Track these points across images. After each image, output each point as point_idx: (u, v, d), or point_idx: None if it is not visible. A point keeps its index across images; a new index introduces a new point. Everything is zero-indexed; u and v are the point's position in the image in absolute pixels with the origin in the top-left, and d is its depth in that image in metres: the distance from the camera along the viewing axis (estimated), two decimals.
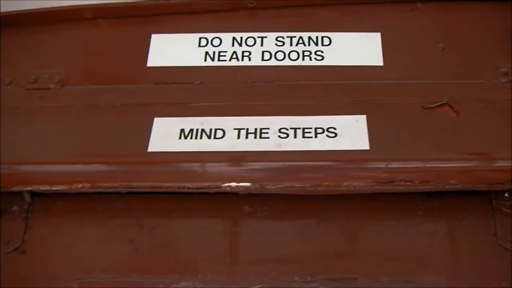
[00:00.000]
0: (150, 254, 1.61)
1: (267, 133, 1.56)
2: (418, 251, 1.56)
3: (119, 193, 1.65)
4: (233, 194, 1.62)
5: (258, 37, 1.76)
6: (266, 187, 1.54)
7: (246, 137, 1.56)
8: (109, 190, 1.61)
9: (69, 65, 1.77)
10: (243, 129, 1.57)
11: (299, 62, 1.69)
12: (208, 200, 1.64)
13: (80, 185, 1.59)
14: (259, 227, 1.62)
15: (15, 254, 1.67)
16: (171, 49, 1.74)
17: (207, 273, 1.58)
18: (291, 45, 1.73)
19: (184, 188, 1.56)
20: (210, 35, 1.79)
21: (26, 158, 1.62)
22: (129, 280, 1.60)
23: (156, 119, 1.61)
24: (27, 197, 1.67)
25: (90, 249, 1.64)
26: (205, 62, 1.72)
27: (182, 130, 1.59)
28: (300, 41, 1.73)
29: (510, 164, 1.49)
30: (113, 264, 1.62)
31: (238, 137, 1.56)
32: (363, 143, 1.53)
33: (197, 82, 1.68)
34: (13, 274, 1.66)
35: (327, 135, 1.55)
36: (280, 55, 1.71)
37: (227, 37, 1.76)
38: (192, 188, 1.56)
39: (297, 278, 1.55)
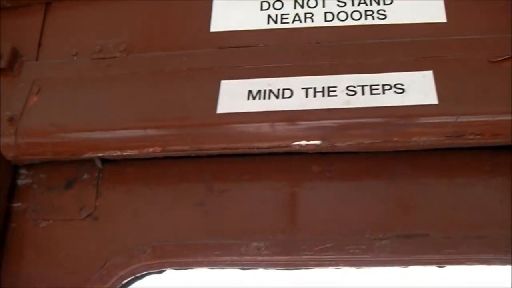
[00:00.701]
0: (220, 216, 1.63)
1: (334, 91, 1.56)
2: (488, 206, 1.55)
3: (187, 157, 1.67)
4: (301, 155, 1.63)
5: None
6: (336, 144, 1.54)
7: (314, 96, 1.57)
8: (179, 153, 1.63)
9: (133, 33, 1.79)
10: (311, 88, 1.58)
11: (362, 22, 1.69)
12: (276, 162, 1.65)
13: (151, 149, 1.62)
14: (328, 186, 1.62)
15: (88, 221, 1.70)
16: (233, 14, 1.76)
17: (277, 234, 1.59)
18: (353, 5, 1.73)
19: (254, 148, 1.58)
20: None
21: (96, 125, 1.65)
22: (199, 242, 1.62)
23: (223, 82, 1.63)
24: (98, 164, 1.70)
25: (161, 213, 1.66)
26: (268, 25, 1.73)
27: (250, 92, 1.60)
28: (362, 1, 1.73)
29: None
30: (183, 228, 1.64)
31: (306, 96, 1.57)
32: (431, 98, 1.52)
33: (261, 45, 1.69)
34: (86, 240, 1.69)
35: (395, 91, 1.55)
36: (342, 16, 1.71)
37: (288, 0, 1.77)
38: (262, 148, 1.57)
39: (368, 236, 1.55)
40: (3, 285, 1.69)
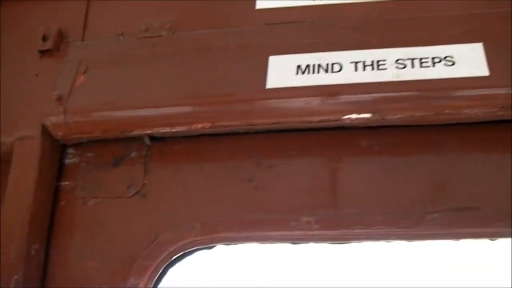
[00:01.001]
0: (269, 191, 1.63)
1: (384, 64, 1.56)
2: None
3: (236, 134, 1.67)
4: (349, 129, 1.63)
5: None
6: (386, 117, 1.54)
7: (364, 70, 1.57)
8: (228, 130, 1.63)
9: (178, 12, 1.80)
10: (360, 62, 1.58)
11: None
12: (325, 137, 1.65)
13: (200, 126, 1.63)
14: (377, 160, 1.62)
15: (136, 198, 1.71)
16: None
17: (327, 208, 1.60)
18: None
19: (303, 123, 1.58)
20: None
21: (145, 102, 1.66)
22: (249, 217, 1.63)
23: (271, 58, 1.63)
24: (147, 141, 1.71)
25: (210, 189, 1.67)
26: (313, 1, 1.73)
27: (299, 67, 1.60)
28: None
29: None
30: (233, 203, 1.65)
31: (356, 70, 1.57)
32: (482, 70, 1.52)
33: (308, 21, 1.69)
34: (135, 217, 1.70)
35: (445, 64, 1.54)
36: None
37: None
38: (312, 122, 1.57)
39: (418, 209, 1.55)
40: (53, 263, 1.71)
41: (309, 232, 1.57)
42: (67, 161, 1.80)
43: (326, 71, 1.58)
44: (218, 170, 1.67)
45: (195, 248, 1.64)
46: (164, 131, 1.64)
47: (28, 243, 1.65)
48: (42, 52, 1.84)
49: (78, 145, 1.79)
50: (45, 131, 1.72)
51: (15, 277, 1.61)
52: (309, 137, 1.65)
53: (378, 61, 1.56)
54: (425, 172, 1.58)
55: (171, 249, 1.63)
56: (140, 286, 1.62)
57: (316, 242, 1.59)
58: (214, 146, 1.69)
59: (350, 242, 1.58)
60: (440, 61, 1.54)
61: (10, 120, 1.78)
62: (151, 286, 1.64)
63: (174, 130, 1.63)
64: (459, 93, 1.51)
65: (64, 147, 1.80)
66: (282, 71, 1.59)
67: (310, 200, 1.60)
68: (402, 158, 1.61)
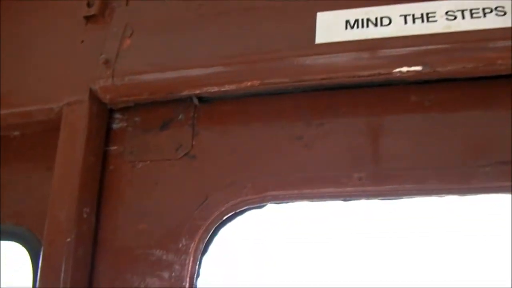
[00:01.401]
0: (320, 149, 1.63)
1: (434, 16, 1.55)
2: None
3: (284, 92, 1.67)
4: (399, 85, 1.62)
5: None
6: (437, 69, 1.53)
7: (413, 22, 1.55)
8: (277, 87, 1.63)
9: None
10: (409, 15, 1.57)
11: None
12: (374, 93, 1.64)
13: (249, 83, 1.62)
14: (427, 115, 1.61)
15: (185, 160, 1.72)
16: None
17: (378, 164, 1.59)
18: None
19: (354, 77, 1.57)
20: None
21: (193, 62, 1.67)
22: (300, 175, 1.63)
23: (319, 14, 1.63)
24: (195, 101, 1.71)
25: (260, 149, 1.67)
26: None
27: (347, 21, 1.60)
28: None
29: None
30: (283, 162, 1.65)
31: (405, 23, 1.56)
32: None
33: None
34: (185, 178, 1.70)
35: (496, 14, 1.52)
36: None
37: None
38: (362, 76, 1.57)
39: (470, 163, 1.53)
40: (104, 226, 1.72)
41: (361, 188, 1.56)
42: (115, 126, 1.81)
43: (375, 25, 1.57)
44: (267, 129, 1.67)
45: (245, 208, 1.64)
46: (213, 90, 1.64)
47: (79, 207, 1.66)
48: (87, 18, 1.85)
49: (125, 109, 1.80)
50: (92, 96, 1.73)
51: (68, 239, 1.63)
52: (358, 94, 1.64)
53: (427, 14, 1.55)
54: (476, 126, 1.56)
55: (222, 209, 1.64)
56: (191, 247, 1.62)
57: (367, 199, 1.58)
58: (262, 106, 1.69)
59: (402, 198, 1.57)
60: (491, 12, 1.53)
61: (57, 87, 1.79)
62: (202, 246, 1.64)
63: (223, 89, 1.63)
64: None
65: (111, 112, 1.81)
66: (331, 26, 1.59)
67: (361, 156, 1.59)
68: (452, 113, 1.59)
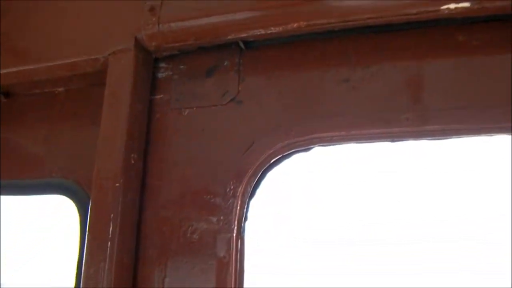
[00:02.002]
0: (366, 91, 1.63)
1: None
2: None
3: (330, 35, 1.66)
4: (446, 24, 1.60)
5: None
6: (485, 5, 1.50)
7: None
8: (324, 27, 1.62)
9: None
10: None
11: None
12: (419, 34, 1.63)
13: (295, 25, 1.62)
14: (474, 55, 1.59)
15: (232, 105, 1.73)
16: None
17: (426, 104, 1.58)
18: None
19: (401, 15, 1.56)
20: None
21: (238, 6, 1.67)
22: (347, 117, 1.63)
23: None
24: (241, 45, 1.72)
25: (306, 92, 1.67)
26: None
27: None
28: None
29: None
30: (330, 104, 1.65)
31: None
32: None
33: None
34: (231, 123, 1.71)
35: None
36: None
37: None
38: (409, 14, 1.55)
39: None
40: (151, 173, 1.74)
41: (408, 129, 1.55)
42: (160, 75, 1.82)
43: None
44: (313, 73, 1.67)
45: (292, 151, 1.65)
46: (259, 33, 1.64)
47: (126, 153, 1.68)
48: None
49: (170, 58, 1.81)
50: (138, 44, 1.74)
51: (117, 184, 1.65)
52: (404, 36, 1.63)
53: None
54: None
55: (269, 153, 1.64)
56: (238, 191, 1.63)
57: (415, 139, 1.58)
58: (308, 49, 1.69)
59: (450, 138, 1.56)
60: None
61: (102, 37, 1.81)
62: (250, 190, 1.65)
63: (269, 31, 1.63)
64: None
65: (156, 61, 1.82)
66: None
67: (408, 97, 1.58)
68: (500, 53, 1.57)
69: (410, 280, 1.65)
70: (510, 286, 1.50)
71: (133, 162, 1.69)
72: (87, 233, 1.67)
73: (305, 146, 1.64)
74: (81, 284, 1.64)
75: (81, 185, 1.91)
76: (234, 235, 1.62)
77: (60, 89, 2.04)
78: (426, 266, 1.68)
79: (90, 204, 1.70)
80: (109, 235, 1.63)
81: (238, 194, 1.63)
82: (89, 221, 1.67)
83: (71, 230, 1.98)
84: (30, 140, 2.09)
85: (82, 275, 1.65)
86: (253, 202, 1.66)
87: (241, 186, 1.64)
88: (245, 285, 1.62)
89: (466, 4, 1.50)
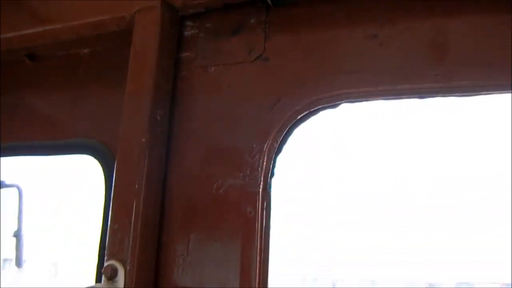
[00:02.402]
0: (395, 47, 1.62)
1: None
2: None
3: None
4: None
5: None
6: None
7: None
8: None
9: None
10: None
11: None
12: None
13: None
14: (500, 13, 1.57)
15: (258, 63, 1.72)
16: None
17: (456, 62, 1.57)
18: None
19: None
20: None
21: None
22: (375, 73, 1.62)
23: None
24: (269, 2, 1.71)
25: (334, 48, 1.67)
26: None
27: None
28: None
29: None
30: (357, 59, 1.65)
31: None
32: None
33: None
34: (257, 80, 1.71)
35: None
36: None
37: None
38: None
39: None
40: (177, 130, 1.75)
41: (438, 84, 1.55)
42: (186, 33, 1.82)
43: None
44: (341, 29, 1.66)
45: (319, 107, 1.65)
46: None
47: (153, 109, 1.69)
48: None
49: (196, 16, 1.81)
50: (164, 1, 1.75)
51: (143, 140, 1.65)
52: None
53: None
54: None
55: (295, 109, 1.65)
56: (265, 147, 1.64)
57: (444, 96, 1.57)
58: (335, 6, 1.68)
59: (478, 95, 1.55)
60: None
61: None
62: (276, 146, 1.66)
63: None
64: None
65: (182, 19, 1.82)
66: None
67: (436, 53, 1.58)
68: None
69: (434, 233, 1.65)
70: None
71: (159, 118, 1.70)
72: (112, 189, 1.68)
73: (332, 102, 1.64)
74: (106, 239, 1.65)
75: (107, 144, 1.92)
76: (261, 190, 1.62)
77: (85, 50, 2.05)
78: (454, 220, 1.67)
79: (116, 161, 1.70)
80: (134, 190, 1.64)
81: (264, 150, 1.64)
82: (115, 176, 1.68)
83: (96, 189, 1.99)
84: (56, 102, 2.10)
85: (107, 231, 1.66)
86: (280, 159, 1.66)
87: (267, 142, 1.64)
88: (271, 240, 1.63)
89: None
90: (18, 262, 2.29)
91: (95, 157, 1.97)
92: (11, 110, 2.16)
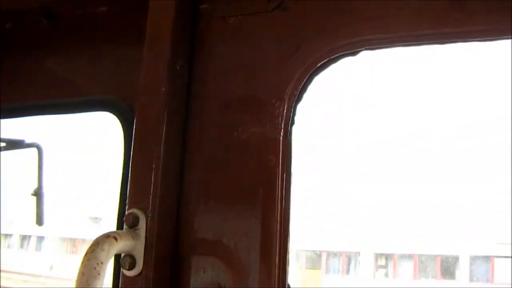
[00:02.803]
0: None
1: None
2: None
3: None
4: None
5: None
6: None
7: None
8: None
9: None
10: None
11: None
12: None
13: None
14: None
15: (277, 12, 1.72)
16: None
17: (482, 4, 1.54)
18: None
19: None
20: None
21: None
22: (396, 19, 1.60)
23: None
24: None
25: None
26: None
27: None
28: None
29: None
30: (378, 7, 1.62)
31: None
32: None
33: None
34: (277, 29, 1.70)
35: None
36: None
37: None
38: None
39: None
40: (197, 80, 1.75)
41: (458, 30, 1.53)
42: None
43: None
44: None
45: (339, 54, 1.64)
46: None
47: (172, 59, 1.69)
48: None
49: None
50: None
51: (163, 89, 1.66)
52: None
53: None
54: None
55: (315, 57, 1.64)
56: (285, 95, 1.63)
57: (464, 41, 1.55)
58: None
59: (499, 39, 1.54)
60: None
61: None
62: (297, 94, 1.65)
63: None
64: None
65: None
66: None
67: None
68: None
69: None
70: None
71: (178, 68, 1.69)
72: (133, 138, 1.69)
73: (352, 49, 1.64)
74: (127, 191, 1.66)
75: (126, 101, 1.93)
76: (281, 138, 1.62)
77: (103, 8, 2.05)
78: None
79: (136, 111, 1.71)
80: (155, 139, 1.65)
81: (284, 98, 1.64)
82: (135, 127, 1.69)
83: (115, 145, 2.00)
84: (75, 61, 2.11)
85: (128, 183, 1.67)
86: (300, 106, 1.65)
87: (287, 91, 1.64)
88: (292, 187, 1.63)
89: None
90: (39, 220, 2.31)
91: (115, 114, 1.98)
92: (31, 71, 2.17)
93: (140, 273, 1.58)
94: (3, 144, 2.34)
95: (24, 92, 2.15)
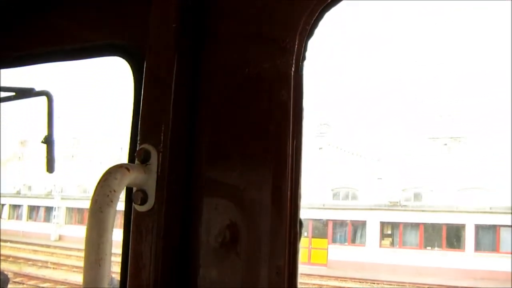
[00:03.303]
0: None
1: None
2: None
3: None
4: None
5: None
6: None
7: None
8: None
9: None
10: None
11: None
12: None
13: None
14: None
15: None
16: None
17: None
18: None
19: None
20: None
21: None
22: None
23: None
24: None
25: None
26: None
27: None
28: None
29: None
30: None
31: None
32: None
33: None
34: None
35: None
36: None
37: None
38: None
39: None
40: (209, 16, 1.72)
41: None
42: None
43: None
44: None
45: None
46: None
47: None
48: None
49: None
50: None
51: (173, 25, 1.64)
52: None
53: None
54: None
55: None
56: (297, 29, 1.61)
57: None
58: None
59: None
60: None
61: None
62: (308, 29, 1.63)
63: None
64: None
65: None
66: None
67: None
68: None
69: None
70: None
71: (190, 3, 1.67)
72: (144, 76, 1.68)
73: None
74: (137, 137, 1.65)
75: (135, 43, 1.91)
76: (293, 73, 1.60)
77: None
78: None
79: (147, 50, 1.69)
80: (166, 76, 1.63)
81: (296, 33, 1.61)
82: (146, 63, 1.67)
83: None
84: (81, 5, 2.08)
85: (138, 126, 1.66)
86: (312, 41, 1.63)
87: (299, 25, 1.61)
88: (304, 124, 1.62)
89: None
90: (50, 168, 2.32)
91: (125, 59, 1.96)
92: (37, 18, 2.15)
93: (152, 208, 1.58)
94: (12, 94, 2.33)
95: (31, 40, 2.13)
